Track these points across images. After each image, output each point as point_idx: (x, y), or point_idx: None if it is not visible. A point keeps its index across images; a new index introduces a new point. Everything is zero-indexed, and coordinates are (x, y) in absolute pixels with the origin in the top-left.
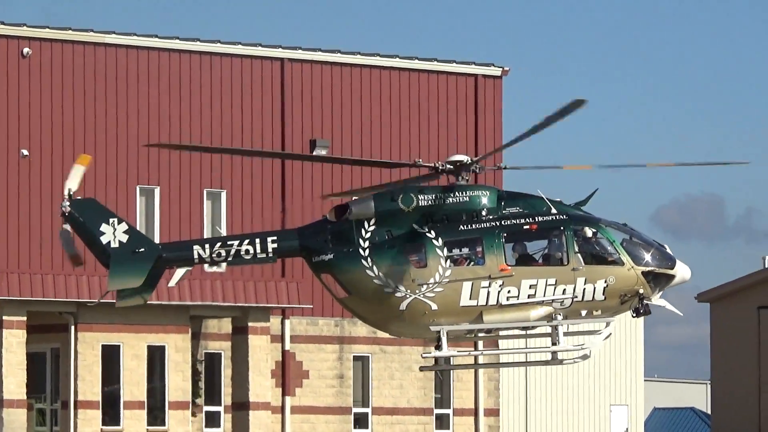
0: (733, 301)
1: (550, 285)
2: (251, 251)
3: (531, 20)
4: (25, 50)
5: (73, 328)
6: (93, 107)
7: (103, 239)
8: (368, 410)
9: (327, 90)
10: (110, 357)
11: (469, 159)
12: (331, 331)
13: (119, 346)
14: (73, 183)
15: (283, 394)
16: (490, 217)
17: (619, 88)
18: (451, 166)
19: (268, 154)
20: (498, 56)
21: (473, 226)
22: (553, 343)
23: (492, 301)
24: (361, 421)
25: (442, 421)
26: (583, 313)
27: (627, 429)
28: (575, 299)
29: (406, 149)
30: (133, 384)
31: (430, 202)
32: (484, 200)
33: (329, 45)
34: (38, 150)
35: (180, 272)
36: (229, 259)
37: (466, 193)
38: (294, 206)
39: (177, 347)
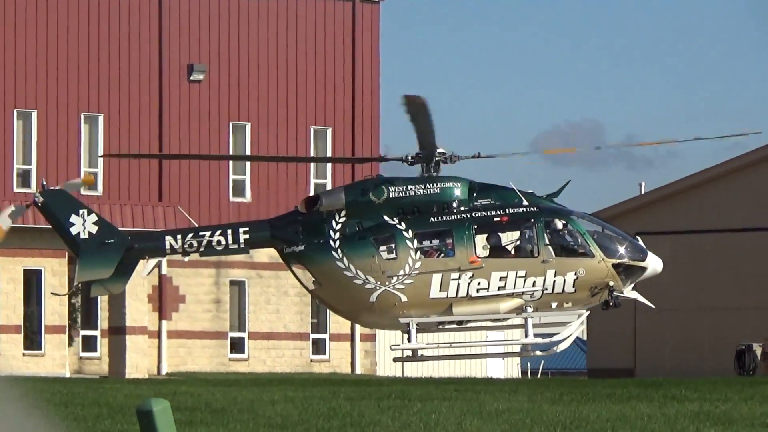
0: None
1: (520, 277)
2: (223, 242)
3: None
4: None
5: None
6: None
7: (73, 230)
8: (245, 335)
9: (204, 14)
10: None
11: (444, 152)
12: None
13: None
14: (68, 188)
15: (160, 319)
16: (461, 208)
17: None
18: (420, 158)
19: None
20: None
21: (444, 218)
22: (525, 335)
23: (462, 293)
24: (237, 345)
25: (318, 346)
26: (554, 305)
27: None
28: (545, 291)
29: (284, 75)
30: (9, 308)
31: (401, 193)
32: (456, 192)
33: None
34: None
35: (152, 262)
36: (201, 249)
37: (437, 185)
38: (172, 134)
39: (54, 271)
